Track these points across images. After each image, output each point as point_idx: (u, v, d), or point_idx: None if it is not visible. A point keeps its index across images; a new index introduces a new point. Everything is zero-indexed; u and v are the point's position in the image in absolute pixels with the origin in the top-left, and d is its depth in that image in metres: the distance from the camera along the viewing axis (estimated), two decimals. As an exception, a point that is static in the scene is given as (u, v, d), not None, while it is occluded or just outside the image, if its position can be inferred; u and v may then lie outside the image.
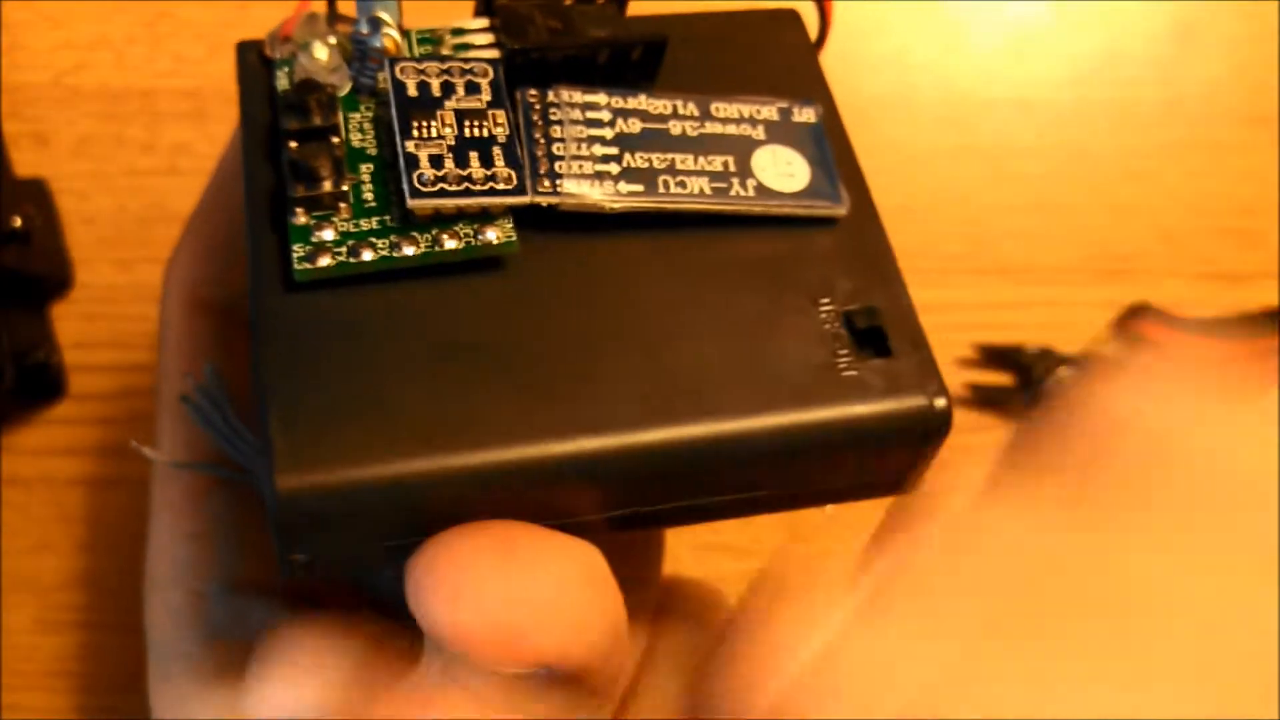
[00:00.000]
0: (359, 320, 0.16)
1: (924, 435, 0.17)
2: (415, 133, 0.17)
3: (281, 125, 0.17)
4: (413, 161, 0.17)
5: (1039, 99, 0.32)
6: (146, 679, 0.21)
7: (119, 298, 0.31)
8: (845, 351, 0.17)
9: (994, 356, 0.32)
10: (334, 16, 0.19)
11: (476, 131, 0.17)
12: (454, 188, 0.16)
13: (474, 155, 0.17)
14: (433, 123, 0.17)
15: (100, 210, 0.31)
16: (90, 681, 0.30)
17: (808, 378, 0.16)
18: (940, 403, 0.17)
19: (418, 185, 0.16)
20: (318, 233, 0.17)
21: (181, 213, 0.31)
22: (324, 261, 0.16)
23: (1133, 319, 0.32)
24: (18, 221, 0.29)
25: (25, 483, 0.31)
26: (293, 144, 0.17)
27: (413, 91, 0.17)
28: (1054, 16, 0.32)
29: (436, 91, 0.17)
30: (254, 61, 0.19)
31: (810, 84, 0.19)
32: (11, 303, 0.30)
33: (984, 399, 0.32)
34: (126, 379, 0.31)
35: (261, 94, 0.18)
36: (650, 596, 0.22)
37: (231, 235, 0.21)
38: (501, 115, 0.17)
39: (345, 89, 0.18)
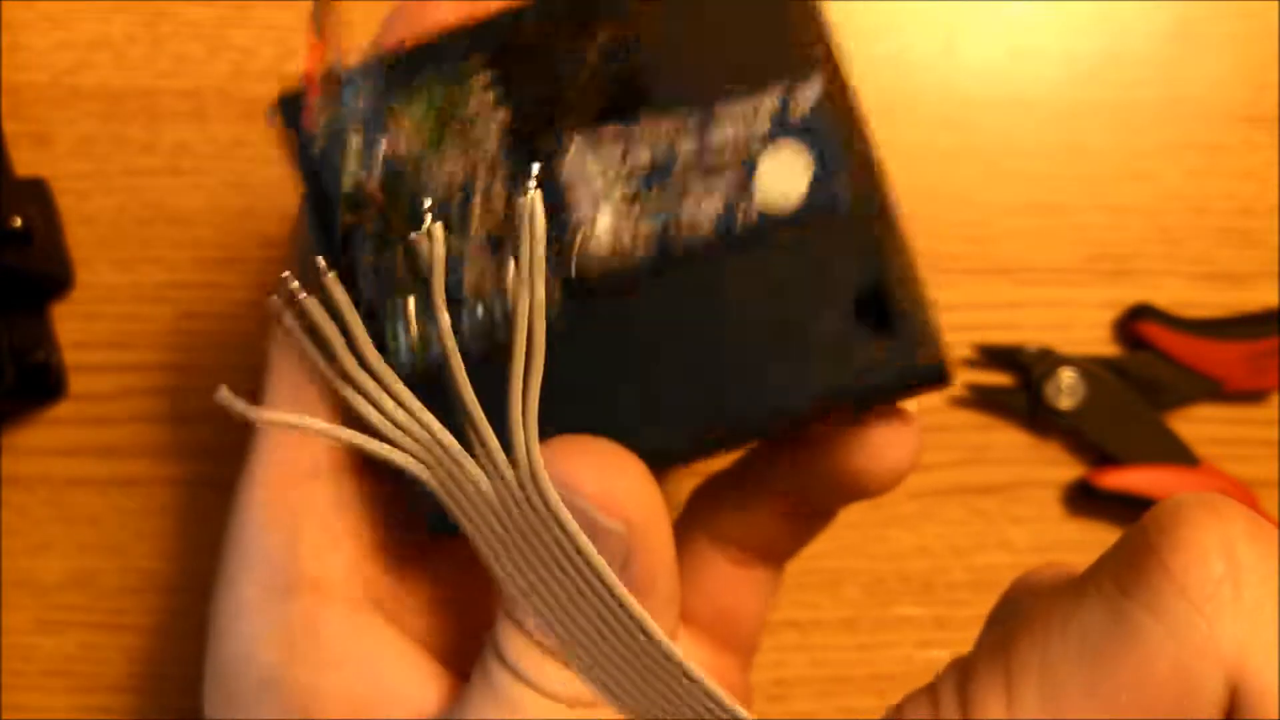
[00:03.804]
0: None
1: (928, 387, 0.20)
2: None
3: (350, 252, 0.20)
4: (455, 266, 0.19)
5: (1039, 99, 0.32)
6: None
7: (119, 298, 0.31)
8: (859, 333, 0.19)
9: (994, 356, 0.32)
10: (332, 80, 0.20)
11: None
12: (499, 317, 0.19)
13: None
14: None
15: (100, 210, 0.31)
16: (89, 681, 0.30)
17: (830, 364, 0.19)
18: (942, 362, 0.19)
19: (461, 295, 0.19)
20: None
21: (182, 212, 0.31)
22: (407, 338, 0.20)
23: (1133, 319, 0.32)
24: (18, 221, 0.29)
25: (25, 483, 0.31)
26: (367, 255, 0.20)
27: (432, 199, 0.19)
28: (1054, 16, 0.32)
29: (457, 190, 0.19)
30: (302, 137, 0.20)
31: (811, 39, 0.20)
32: (11, 303, 0.30)
33: (984, 399, 0.32)
34: (126, 379, 0.31)
35: (317, 177, 0.20)
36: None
37: None
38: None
39: (380, 158, 0.20)
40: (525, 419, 0.17)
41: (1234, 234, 0.32)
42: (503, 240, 0.19)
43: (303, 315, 0.18)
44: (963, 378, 0.32)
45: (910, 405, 0.21)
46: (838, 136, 0.19)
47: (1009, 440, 0.32)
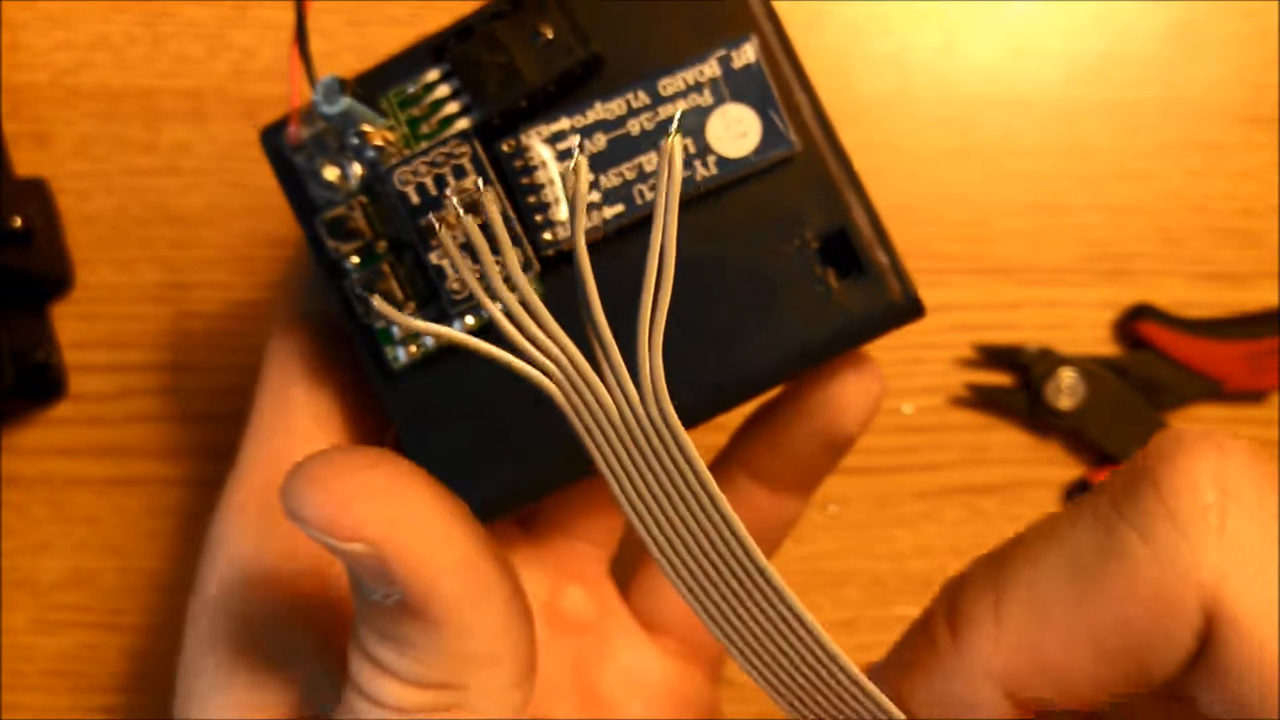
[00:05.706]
0: (450, 380, 0.20)
1: (900, 322, 0.20)
2: (433, 243, 0.20)
3: (340, 260, 0.20)
4: (441, 274, 0.20)
5: (1039, 99, 0.32)
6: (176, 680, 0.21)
7: (119, 298, 0.31)
8: (828, 278, 0.20)
9: (994, 356, 0.32)
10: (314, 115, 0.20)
11: (479, 218, 0.20)
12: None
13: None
14: (442, 225, 0.19)
15: (100, 210, 0.31)
16: (89, 681, 0.30)
17: (801, 317, 0.20)
18: (912, 298, 0.20)
19: (454, 300, 0.20)
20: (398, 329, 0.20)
21: (182, 212, 0.31)
22: (407, 355, 0.20)
23: (1133, 319, 0.32)
24: (18, 221, 0.29)
25: (25, 483, 0.31)
26: (355, 276, 0.20)
27: (415, 199, 0.20)
28: (1054, 17, 0.32)
29: (433, 189, 0.20)
30: (287, 165, 0.21)
31: (742, 2, 0.20)
32: (11, 303, 0.30)
33: (984, 399, 0.32)
34: (126, 379, 0.31)
35: (305, 202, 0.21)
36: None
37: None
38: (491, 193, 0.20)
39: (358, 176, 0.20)
40: (651, 346, 0.17)
41: (1234, 234, 0.32)
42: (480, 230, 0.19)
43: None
44: (963, 378, 0.32)
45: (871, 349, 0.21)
46: (778, 89, 0.20)
47: (1009, 440, 0.32)
